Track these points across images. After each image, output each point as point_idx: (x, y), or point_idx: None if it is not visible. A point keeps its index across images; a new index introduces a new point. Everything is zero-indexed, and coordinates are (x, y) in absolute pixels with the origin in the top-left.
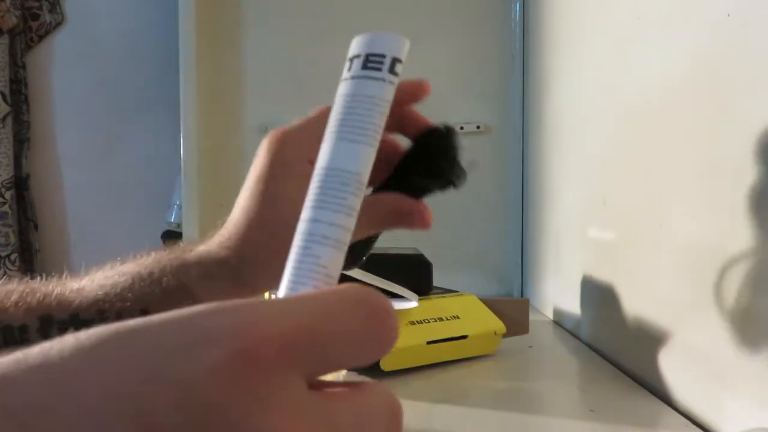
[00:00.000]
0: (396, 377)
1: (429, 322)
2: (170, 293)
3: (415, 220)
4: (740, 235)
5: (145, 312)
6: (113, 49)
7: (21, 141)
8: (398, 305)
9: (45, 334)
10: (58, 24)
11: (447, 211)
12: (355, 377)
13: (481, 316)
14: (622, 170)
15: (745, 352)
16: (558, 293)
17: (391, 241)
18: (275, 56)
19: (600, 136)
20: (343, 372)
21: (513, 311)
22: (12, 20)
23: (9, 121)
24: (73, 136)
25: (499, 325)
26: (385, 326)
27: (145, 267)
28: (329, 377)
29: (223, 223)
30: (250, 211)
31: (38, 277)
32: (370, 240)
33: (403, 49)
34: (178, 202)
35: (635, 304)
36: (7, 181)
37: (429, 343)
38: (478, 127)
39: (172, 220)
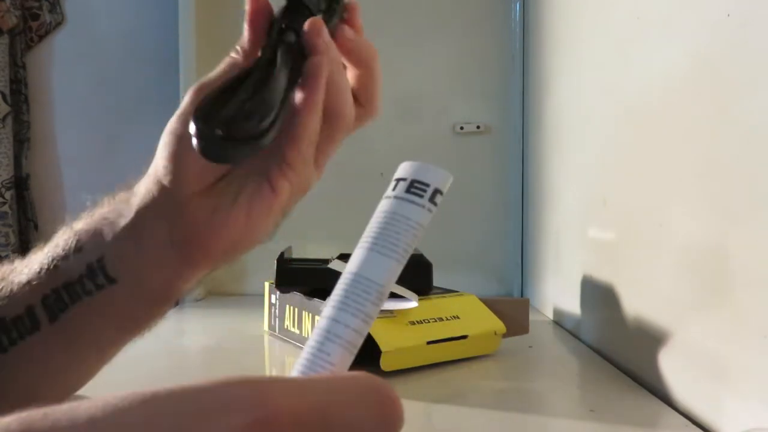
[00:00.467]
0: (396, 377)
1: (429, 322)
2: (104, 216)
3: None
4: (740, 235)
5: (77, 243)
6: (113, 49)
7: (21, 141)
8: (398, 305)
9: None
10: (58, 24)
11: (447, 211)
12: None
13: (481, 316)
14: (622, 170)
15: (745, 352)
16: (558, 293)
17: None
18: None
19: (600, 136)
20: None
21: (513, 311)
22: (12, 20)
23: (9, 121)
24: (73, 136)
25: (499, 325)
26: (393, 415)
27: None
28: None
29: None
30: (169, 145)
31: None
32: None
33: (447, 183)
34: None
35: (635, 304)
36: (7, 181)
37: (429, 343)
38: (478, 127)
39: None
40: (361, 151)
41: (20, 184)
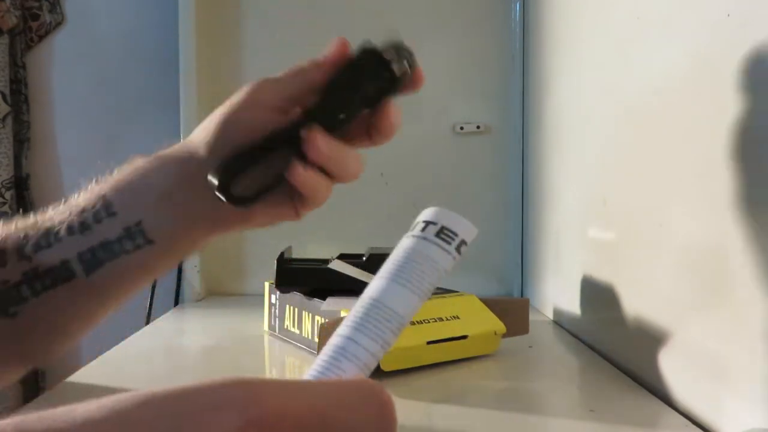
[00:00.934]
0: (396, 377)
1: (429, 322)
2: (130, 181)
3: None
4: (740, 235)
5: (108, 206)
6: (113, 49)
7: (21, 141)
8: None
9: (21, 254)
10: (58, 24)
11: None
12: None
13: (481, 316)
14: (622, 170)
15: (745, 352)
16: (558, 293)
17: (392, 241)
18: (275, 56)
19: (600, 136)
20: None
21: (513, 311)
22: (12, 20)
23: (9, 121)
24: (73, 136)
25: (499, 325)
26: (389, 417)
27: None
28: None
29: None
30: (214, 124)
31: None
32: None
33: (472, 236)
34: None
35: (635, 304)
36: (7, 181)
37: (429, 343)
38: (478, 127)
39: None
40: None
41: (20, 184)
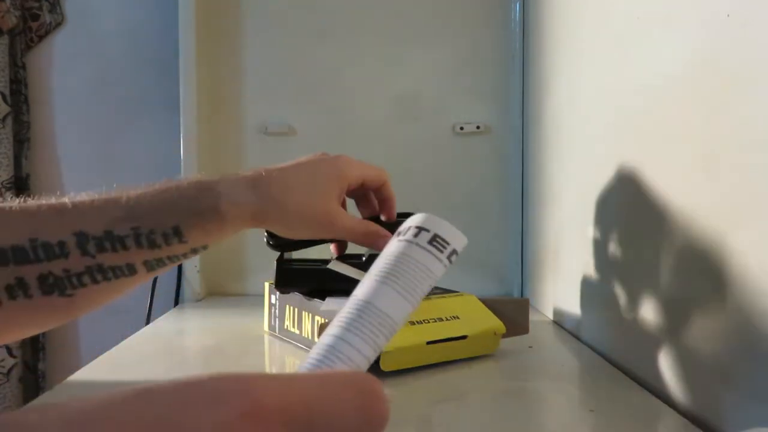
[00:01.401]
0: (396, 377)
1: (429, 322)
2: (200, 212)
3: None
4: (740, 235)
5: (176, 229)
6: (113, 49)
7: (21, 141)
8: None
9: (83, 250)
10: (58, 24)
11: (447, 211)
12: None
13: (481, 316)
14: (621, 170)
15: (745, 353)
16: (558, 293)
17: None
18: (275, 56)
19: (599, 136)
20: None
21: (513, 311)
22: (12, 20)
23: (9, 121)
24: (73, 136)
25: (499, 325)
26: (377, 411)
27: (177, 187)
28: None
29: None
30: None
31: (67, 193)
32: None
33: (463, 245)
34: None
35: (635, 304)
36: (7, 181)
37: (429, 343)
38: (478, 127)
39: None
40: (361, 152)
41: (20, 184)
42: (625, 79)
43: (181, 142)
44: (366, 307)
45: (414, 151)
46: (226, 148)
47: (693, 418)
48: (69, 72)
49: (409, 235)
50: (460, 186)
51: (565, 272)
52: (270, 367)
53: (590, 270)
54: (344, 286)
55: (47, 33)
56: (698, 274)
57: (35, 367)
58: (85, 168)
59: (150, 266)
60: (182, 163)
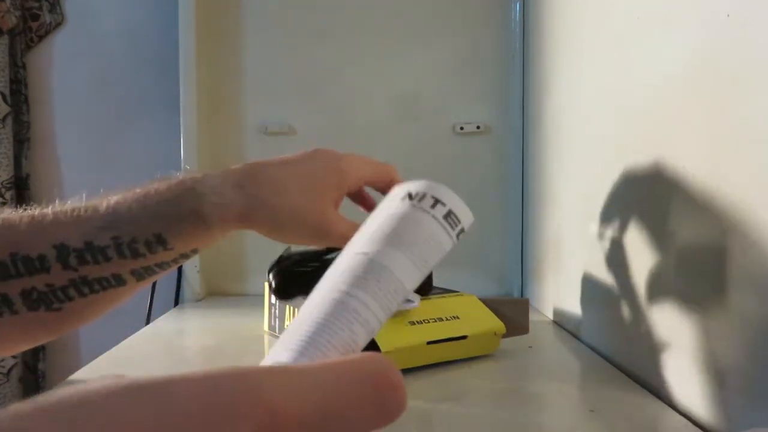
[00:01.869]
0: None
1: (429, 322)
2: (182, 217)
3: None
4: (740, 235)
5: (159, 237)
6: (113, 49)
7: (21, 141)
8: (400, 306)
9: (65, 263)
10: (58, 24)
11: None
12: None
13: (481, 316)
14: (621, 170)
15: (745, 353)
16: (558, 293)
17: None
18: (275, 56)
19: (599, 136)
20: None
21: (513, 311)
22: (12, 20)
23: (9, 121)
24: (73, 136)
25: (499, 325)
26: (393, 402)
27: (157, 191)
28: None
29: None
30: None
31: (47, 204)
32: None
33: (470, 224)
34: None
35: (635, 304)
36: (7, 181)
37: (429, 343)
38: (478, 127)
39: None
40: (361, 152)
41: (20, 184)
42: (625, 79)
43: (181, 142)
44: (382, 270)
45: (414, 151)
46: (226, 148)
47: (693, 418)
48: (69, 72)
49: (426, 204)
50: (460, 186)
51: (565, 272)
52: None
53: (590, 270)
54: None
55: (47, 33)
56: (698, 275)
57: (35, 367)
58: (85, 168)
59: (139, 275)
60: (182, 164)
